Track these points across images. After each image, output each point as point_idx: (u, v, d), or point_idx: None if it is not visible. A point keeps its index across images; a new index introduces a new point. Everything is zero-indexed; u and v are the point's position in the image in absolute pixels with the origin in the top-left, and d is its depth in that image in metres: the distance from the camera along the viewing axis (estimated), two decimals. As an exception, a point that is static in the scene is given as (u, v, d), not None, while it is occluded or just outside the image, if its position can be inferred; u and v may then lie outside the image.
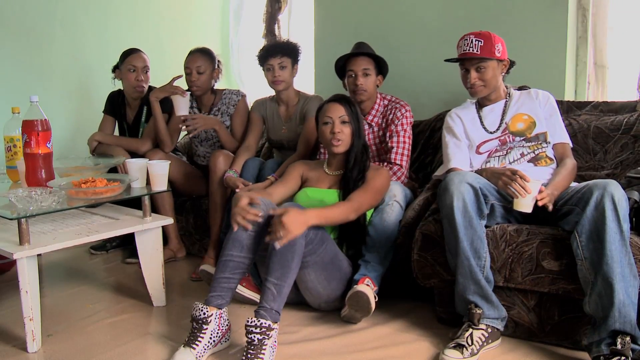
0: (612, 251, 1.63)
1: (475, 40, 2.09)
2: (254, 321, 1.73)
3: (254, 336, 1.72)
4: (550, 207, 1.83)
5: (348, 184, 2.16)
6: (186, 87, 2.81)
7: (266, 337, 1.72)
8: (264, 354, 1.72)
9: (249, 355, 1.71)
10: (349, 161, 2.19)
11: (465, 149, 2.19)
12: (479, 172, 1.99)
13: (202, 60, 2.79)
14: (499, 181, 1.88)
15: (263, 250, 1.92)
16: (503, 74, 2.18)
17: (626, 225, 1.66)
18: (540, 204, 1.82)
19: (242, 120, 2.88)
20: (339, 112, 2.17)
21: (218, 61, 2.90)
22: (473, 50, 2.09)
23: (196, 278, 2.57)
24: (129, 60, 2.91)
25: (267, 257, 1.84)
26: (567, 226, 1.81)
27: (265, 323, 1.73)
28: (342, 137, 2.16)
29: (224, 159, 2.66)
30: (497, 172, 1.90)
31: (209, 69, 2.82)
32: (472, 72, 2.12)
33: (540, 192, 1.82)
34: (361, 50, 2.51)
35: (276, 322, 1.77)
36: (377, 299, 2.02)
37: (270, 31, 4.00)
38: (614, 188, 1.69)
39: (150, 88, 2.96)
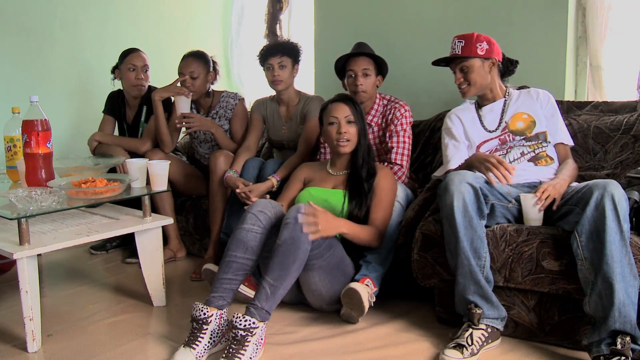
0: (612, 251, 1.63)
1: (458, 41, 2.17)
2: (240, 317, 1.73)
3: (238, 332, 1.72)
4: (557, 203, 1.86)
5: (356, 184, 2.16)
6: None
7: (249, 334, 1.72)
8: (244, 350, 1.71)
9: (231, 350, 1.72)
10: (356, 161, 2.19)
11: (464, 150, 2.19)
12: (465, 161, 2.02)
13: (195, 65, 2.79)
14: (481, 166, 1.91)
15: (267, 251, 1.92)
16: (491, 71, 2.19)
17: (626, 225, 1.65)
18: (542, 206, 1.86)
19: (241, 124, 2.88)
20: (344, 112, 2.17)
21: (214, 62, 2.90)
22: (455, 52, 2.17)
23: (196, 278, 2.57)
24: (129, 60, 2.91)
25: (270, 256, 1.84)
26: (567, 226, 1.81)
27: (250, 320, 1.72)
28: (349, 137, 2.16)
29: (224, 159, 2.66)
30: (482, 158, 1.94)
31: (203, 73, 2.81)
32: (457, 73, 2.19)
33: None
34: (361, 51, 2.51)
35: (263, 322, 1.76)
36: (374, 299, 2.01)
37: (272, 31, 4.00)
38: (614, 188, 1.69)
39: (150, 88, 2.96)
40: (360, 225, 2.07)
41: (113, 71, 3.01)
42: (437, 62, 2.26)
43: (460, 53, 2.15)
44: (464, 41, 2.15)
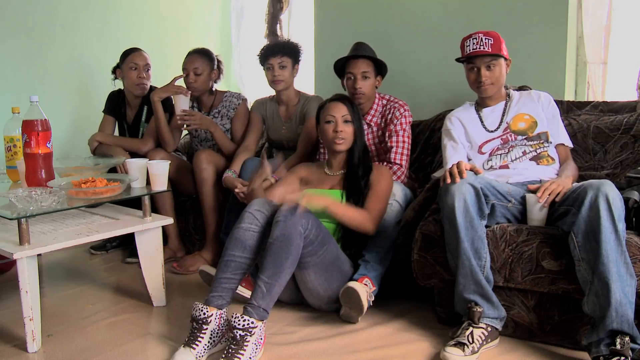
0: (608, 251, 1.63)
1: (485, 38, 2.11)
2: (238, 317, 1.73)
3: (237, 332, 1.72)
4: (561, 195, 1.85)
5: (352, 183, 2.17)
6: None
7: (248, 334, 1.72)
8: (244, 350, 1.72)
9: (230, 350, 1.72)
10: (352, 160, 2.20)
11: (463, 152, 2.19)
12: None
13: (199, 62, 2.79)
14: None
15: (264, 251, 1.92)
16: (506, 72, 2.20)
17: (621, 225, 1.65)
18: (545, 203, 1.86)
19: (242, 124, 2.88)
20: (341, 111, 2.18)
21: (218, 61, 2.90)
22: (484, 48, 2.11)
23: (177, 270, 2.63)
24: (131, 59, 2.91)
25: (263, 254, 1.85)
26: (565, 226, 1.81)
27: (248, 320, 1.73)
28: (345, 136, 2.17)
29: (206, 158, 2.67)
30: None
31: (207, 71, 2.82)
32: (482, 70, 2.14)
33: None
34: (360, 52, 2.51)
35: (262, 320, 1.76)
36: (372, 299, 2.01)
37: (272, 31, 4.00)
38: (608, 188, 1.68)
39: (152, 88, 2.96)
40: (349, 206, 2.09)
41: (114, 71, 3.01)
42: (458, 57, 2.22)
43: (491, 50, 2.10)
44: (492, 39, 2.10)
